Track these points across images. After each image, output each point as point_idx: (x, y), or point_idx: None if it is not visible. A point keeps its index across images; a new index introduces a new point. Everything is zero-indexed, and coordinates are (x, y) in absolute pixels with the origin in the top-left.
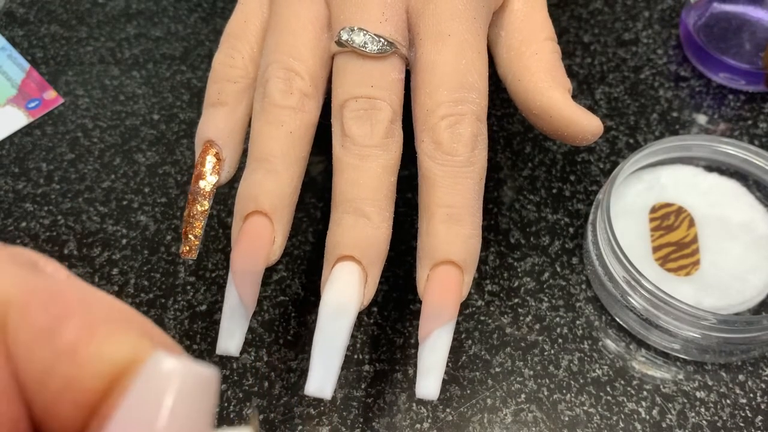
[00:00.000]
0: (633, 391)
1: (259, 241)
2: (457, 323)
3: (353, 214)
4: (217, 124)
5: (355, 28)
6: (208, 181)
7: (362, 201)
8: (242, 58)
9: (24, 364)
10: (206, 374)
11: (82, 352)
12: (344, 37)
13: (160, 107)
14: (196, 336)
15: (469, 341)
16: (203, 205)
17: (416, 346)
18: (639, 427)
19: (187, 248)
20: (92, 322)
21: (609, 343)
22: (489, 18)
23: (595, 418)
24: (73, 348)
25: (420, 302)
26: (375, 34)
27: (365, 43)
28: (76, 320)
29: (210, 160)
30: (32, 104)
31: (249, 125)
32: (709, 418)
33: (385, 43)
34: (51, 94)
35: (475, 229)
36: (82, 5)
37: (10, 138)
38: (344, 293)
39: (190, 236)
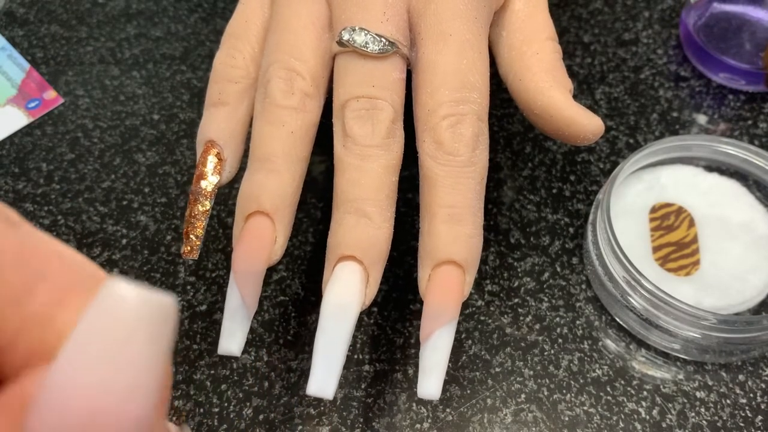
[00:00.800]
0: (633, 391)
1: (260, 242)
2: (457, 323)
3: (355, 215)
4: (218, 124)
5: (357, 28)
6: (209, 181)
7: (363, 201)
8: (243, 58)
9: None
10: (164, 302)
11: (54, 319)
12: (345, 36)
13: (160, 107)
14: (196, 336)
15: (469, 341)
16: (204, 205)
17: (416, 346)
18: (639, 427)
19: (189, 248)
20: (64, 286)
21: (609, 343)
22: (490, 18)
23: (595, 418)
24: (44, 313)
25: (420, 302)
26: (376, 34)
27: (366, 42)
28: (48, 284)
29: (211, 160)
30: (32, 104)
31: (250, 125)
32: (709, 418)
33: (387, 42)
34: (51, 94)
35: (476, 229)
36: (82, 5)
37: (10, 138)
38: (346, 293)
39: (191, 236)
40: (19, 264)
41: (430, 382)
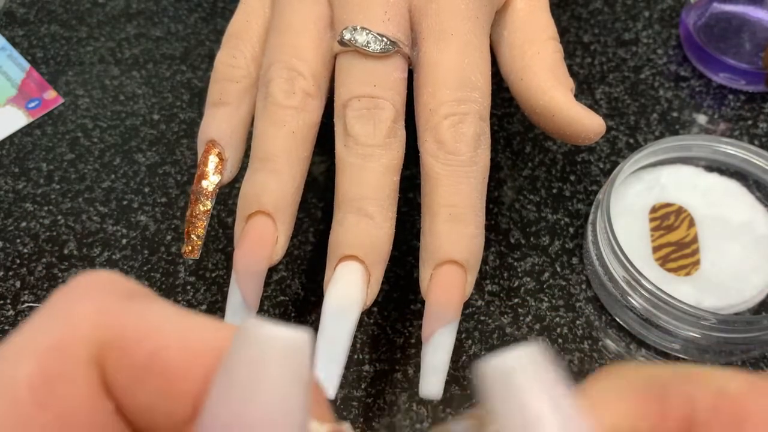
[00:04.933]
0: None
1: (261, 241)
2: (458, 323)
3: (356, 214)
4: (219, 124)
5: (358, 28)
6: (210, 181)
7: (365, 201)
8: (244, 58)
9: (128, 400)
10: (300, 339)
11: (179, 385)
12: (347, 36)
13: (160, 107)
14: None
15: (469, 341)
16: (206, 205)
17: (416, 346)
18: None
19: (190, 248)
20: (187, 354)
21: (609, 343)
22: (491, 17)
23: None
24: (171, 382)
25: (421, 302)
26: (378, 34)
27: (368, 42)
28: (172, 352)
29: (212, 160)
30: (32, 104)
31: (251, 125)
32: None
33: (388, 42)
34: (51, 94)
35: (478, 229)
36: (82, 5)
37: (10, 138)
38: (347, 293)
39: (192, 236)
40: (140, 342)
41: (432, 381)
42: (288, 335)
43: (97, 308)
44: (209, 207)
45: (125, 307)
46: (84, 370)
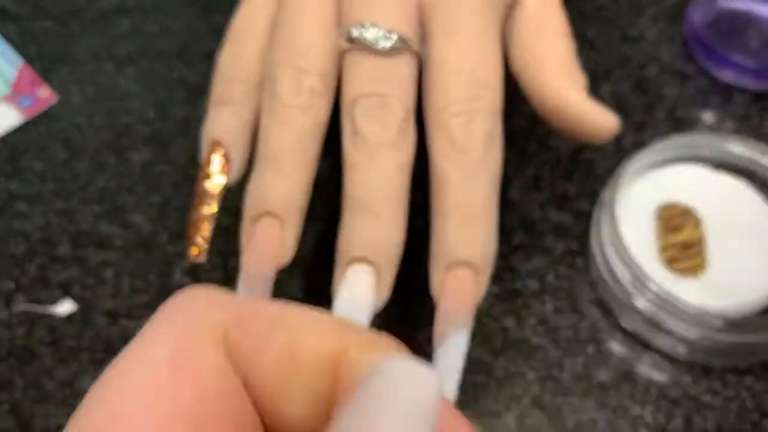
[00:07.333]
0: (638, 395)
1: (269, 244)
2: None
3: (366, 215)
4: (223, 124)
5: (366, 25)
6: (215, 183)
7: (375, 201)
8: (249, 56)
9: (251, 371)
10: (432, 377)
11: (296, 353)
12: (355, 33)
13: (155, 105)
14: None
15: (472, 344)
16: (212, 207)
17: (417, 346)
18: (644, 431)
19: (196, 252)
20: (297, 327)
21: (614, 345)
22: (503, 14)
23: (599, 422)
24: (287, 351)
25: (422, 303)
26: (386, 31)
27: (377, 39)
28: (283, 326)
29: (218, 161)
30: (26, 102)
31: (257, 124)
32: (715, 423)
33: (397, 39)
34: (45, 91)
35: (490, 229)
36: (76, 1)
37: (3, 137)
38: (358, 296)
39: (198, 239)
40: (254, 319)
41: (445, 386)
42: (421, 372)
43: (212, 303)
44: (215, 209)
45: (235, 300)
46: (212, 348)
